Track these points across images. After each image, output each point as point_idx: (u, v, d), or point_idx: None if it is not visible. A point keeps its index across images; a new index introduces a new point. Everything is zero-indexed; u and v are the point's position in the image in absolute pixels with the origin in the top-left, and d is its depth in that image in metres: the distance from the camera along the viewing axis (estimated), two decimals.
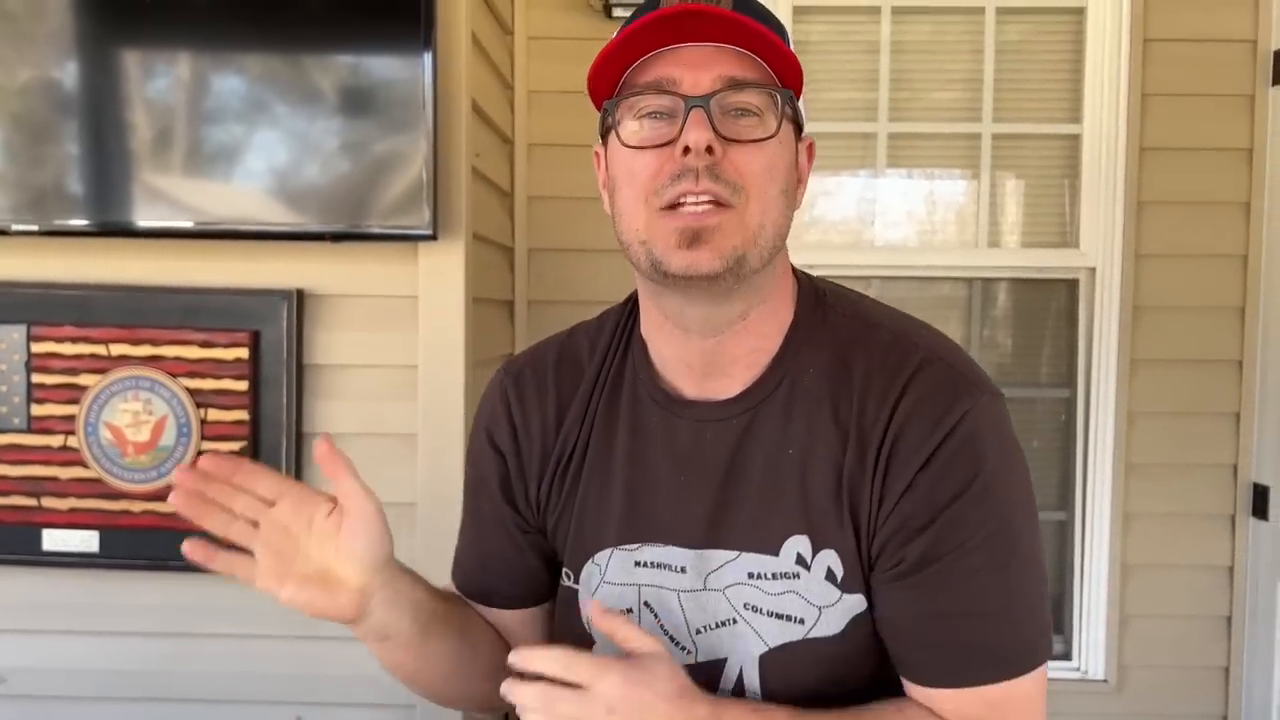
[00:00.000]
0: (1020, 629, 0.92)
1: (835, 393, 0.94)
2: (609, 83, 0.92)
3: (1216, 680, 2.64)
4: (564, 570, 1.04)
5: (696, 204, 0.86)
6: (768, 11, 0.94)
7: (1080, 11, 2.61)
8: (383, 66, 1.82)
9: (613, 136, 0.93)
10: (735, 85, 0.87)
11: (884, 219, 2.71)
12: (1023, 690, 0.91)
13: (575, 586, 1.02)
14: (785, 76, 0.90)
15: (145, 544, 1.90)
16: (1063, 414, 2.72)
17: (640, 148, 0.89)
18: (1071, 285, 2.68)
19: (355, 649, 1.92)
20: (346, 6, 1.81)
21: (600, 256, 2.58)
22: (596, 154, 0.99)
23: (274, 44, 1.82)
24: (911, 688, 0.93)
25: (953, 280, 2.74)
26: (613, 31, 2.76)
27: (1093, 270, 2.63)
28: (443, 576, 1.91)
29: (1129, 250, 2.59)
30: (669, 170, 0.87)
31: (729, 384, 0.97)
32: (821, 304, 1.00)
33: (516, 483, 1.05)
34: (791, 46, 0.92)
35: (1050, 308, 2.73)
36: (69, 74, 1.82)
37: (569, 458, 1.02)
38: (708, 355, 0.96)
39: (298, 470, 1.91)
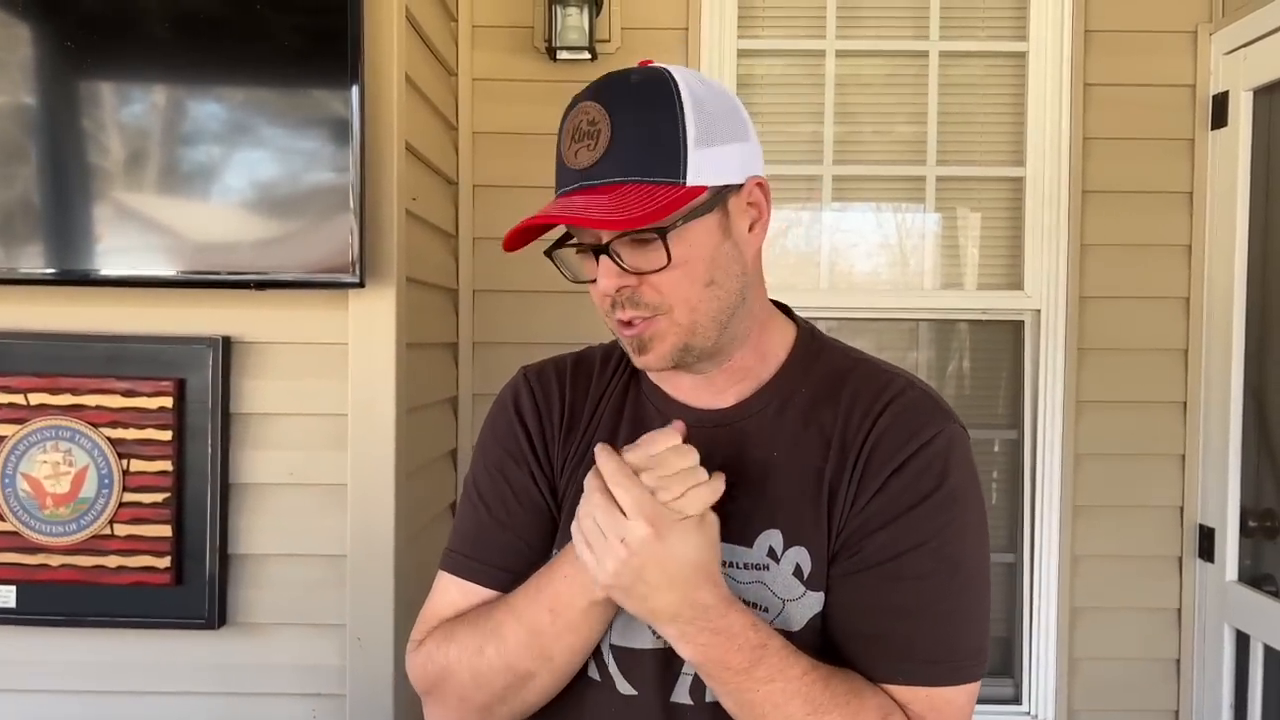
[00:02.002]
0: (958, 639, 0.99)
1: (823, 410, 1.04)
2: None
3: None
4: (554, 554, 1.07)
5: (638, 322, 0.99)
6: (646, 112, 0.96)
7: (1022, 56, 2.63)
8: (310, 104, 1.79)
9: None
10: (623, 233, 0.96)
11: (829, 261, 2.71)
12: (953, 698, 0.98)
13: None
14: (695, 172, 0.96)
15: (64, 599, 1.85)
16: (1010, 455, 2.71)
17: (580, 283, 1.03)
18: (1017, 327, 2.68)
19: (278, 705, 1.89)
20: (268, 39, 1.78)
21: (546, 297, 2.56)
22: None
23: (196, 82, 1.79)
24: None
25: (899, 322, 2.73)
26: (557, 74, 2.76)
27: (1038, 312, 2.63)
28: (371, 630, 1.87)
29: (1073, 292, 2.60)
30: (603, 302, 1.00)
31: (720, 399, 1.08)
32: (817, 342, 1.12)
33: (542, 447, 1.11)
34: (687, 116, 0.95)
35: (996, 349, 2.73)
36: None
37: (576, 447, 1.10)
38: (699, 383, 1.08)
39: (224, 522, 1.87)
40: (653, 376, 1.11)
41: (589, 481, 0.93)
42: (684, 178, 0.95)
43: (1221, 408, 2.51)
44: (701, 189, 0.96)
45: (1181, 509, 2.61)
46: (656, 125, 0.95)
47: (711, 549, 0.94)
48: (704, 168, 0.96)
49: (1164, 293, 2.61)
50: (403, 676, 1.90)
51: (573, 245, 1.03)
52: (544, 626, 0.99)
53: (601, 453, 0.93)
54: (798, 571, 1.00)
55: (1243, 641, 2.46)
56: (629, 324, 1.00)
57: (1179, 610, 2.62)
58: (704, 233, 0.98)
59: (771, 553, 1.00)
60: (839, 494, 1.01)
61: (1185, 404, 2.60)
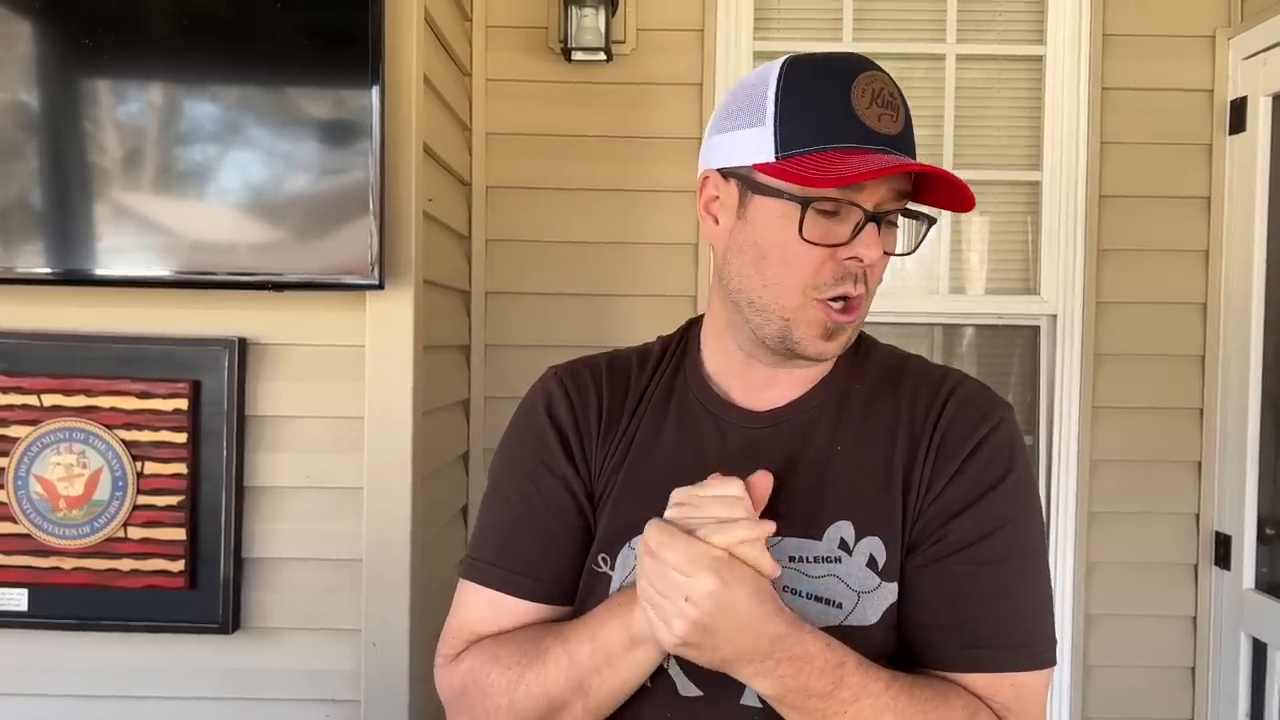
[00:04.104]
0: (1034, 624, 0.99)
1: (883, 403, 1.05)
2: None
3: None
4: (599, 555, 1.04)
5: (842, 303, 0.98)
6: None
7: (1039, 59, 2.62)
8: (329, 104, 1.77)
9: (769, 201, 0.97)
10: (904, 210, 0.99)
11: None
12: (1032, 684, 0.98)
13: (609, 572, 1.03)
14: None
15: (77, 603, 1.83)
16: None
17: (813, 244, 0.96)
18: (1033, 332, 2.67)
19: (292, 711, 1.87)
20: (287, 39, 1.77)
21: (560, 300, 2.55)
22: (707, 178, 1.04)
23: (215, 81, 1.77)
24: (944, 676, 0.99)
25: (915, 326, 2.72)
26: (572, 75, 2.74)
27: (1054, 317, 2.62)
28: (386, 636, 1.86)
29: (1090, 297, 2.59)
30: (831, 270, 0.96)
31: (774, 398, 1.06)
32: (865, 341, 1.12)
33: (578, 449, 1.08)
34: None
35: (1012, 354, 2.71)
36: None
37: (616, 446, 1.07)
38: (766, 377, 1.06)
39: (238, 525, 1.85)
40: (709, 369, 1.09)
41: (638, 550, 0.90)
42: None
43: (1239, 414, 2.50)
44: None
45: (1198, 516, 2.59)
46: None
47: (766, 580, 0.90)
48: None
49: (1181, 298, 2.59)
50: (418, 681, 1.89)
51: (837, 204, 0.96)
52: (583, 657, 0.96)
53: (650, 526, 0.90)
54: (871, 562, 0.98)
55: (1259, 649, 2.45)
56: (835, 307, 0.98)
57: (1194, 618, 2.60)
58: None
59: (843, 544, 0.98)
60: (913, 481, 1.00)
61: (1202, 410, 2.59)
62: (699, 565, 0.85)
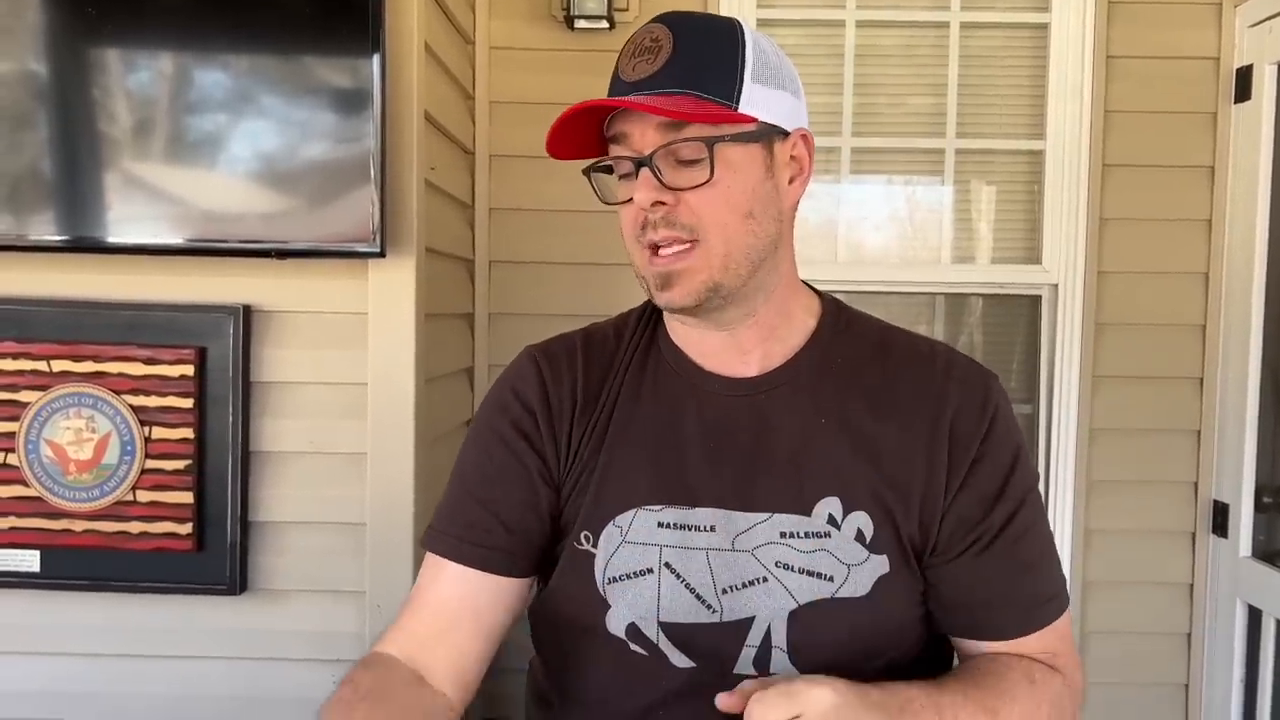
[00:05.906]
0: (1057, 573, 1.06)
1: (869, 376, 1.05)
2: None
3: (1177, 697, 2.64)
4: (581, 534, 1.05)
5: (667, 248, 0.97)
6: (710, 40, 0.98)
7: (1044, 27, 2.60)
8: (330, 73, 1.79)
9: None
10: (668, 142, 0.95)
11: (846, 234, 2.70)
12: (1065, 625, 1.05)
13: (592, 550, 1.04)
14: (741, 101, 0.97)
15: (87, 564, 1.87)
16: (1025, 430, 2.71)
17: (618, 203, 1.00)
18: (1034, 301, 2.67)
19: (298, 671, 1.91)
20: (289, 7, 1.77)
21: (563, 269, 2.56)
22: None
23: (216, 51, 1.78)
24: (994, 646, 1.03)
25: (916, 295, 2.73)
26: (575, 43, 2.73)
27: (1055, 286, 2.62)
28: (390, 597, 1.89)
29: (1092, 266, 2.59)
30: (638, 220, 0.97)
31: (746, 366, 1.06)
32: (846, 312, 1.12)
33: (544, 433, 1.07)
34: (748, 52, 0.98)
35: (1014, 323, 2.72)
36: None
37: (594, 424, 1.07)
38: (724, 342, 1.05)
39: (244, 489, 1.88)
40: (675, 339, 1.09)
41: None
42: (736, 103, 0.96)
43: (1238, 383, 2.50)
44: (752, 119, 0.97)
45: (1196, 484, 2.60)
46: (718, 50, 0.97)
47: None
48: (756, 101, 0.97)
49: (1183, 268, 2.59)
50: None
51: (609, 163, 1.01)
52: None
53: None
54: (859, 536, 1.00)
55: (1255, 616, 2.47)
56: (656, 254, 0.97)
57: (1192, 585, 2.62)
58: (748, 161, 0.98)
59: (832, 520, 1.00)
60: (936, 463, 1.01)
61: (1202, 380, 2.59)
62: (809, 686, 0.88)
